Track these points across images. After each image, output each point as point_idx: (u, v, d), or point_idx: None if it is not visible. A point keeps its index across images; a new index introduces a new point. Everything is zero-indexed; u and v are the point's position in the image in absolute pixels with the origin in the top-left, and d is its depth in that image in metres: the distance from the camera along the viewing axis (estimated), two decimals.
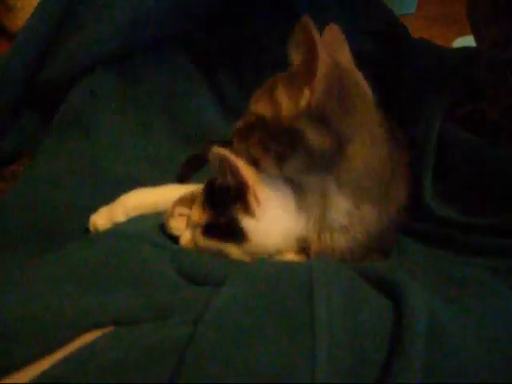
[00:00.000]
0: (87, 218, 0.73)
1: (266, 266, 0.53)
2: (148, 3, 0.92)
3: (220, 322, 0.45)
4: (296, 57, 0.60)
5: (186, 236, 0.67)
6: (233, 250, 0.63)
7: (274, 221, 0.64)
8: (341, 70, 0.60)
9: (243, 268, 0.53)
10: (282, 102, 0.59)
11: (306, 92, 0.57)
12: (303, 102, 0.57)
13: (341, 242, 0.64)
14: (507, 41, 0.77)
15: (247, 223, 0.63)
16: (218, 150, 0.62)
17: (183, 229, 0.68)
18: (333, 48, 0.62)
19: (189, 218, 0.67)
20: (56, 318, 0.47)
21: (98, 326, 0.47)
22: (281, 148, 0.59)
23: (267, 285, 0.49)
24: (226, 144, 0.90)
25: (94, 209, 0.74)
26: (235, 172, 0.62)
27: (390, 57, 0.94)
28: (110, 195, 0.75)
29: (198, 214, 0.66)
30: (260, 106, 0.62)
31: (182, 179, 0.82)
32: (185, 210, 0.68)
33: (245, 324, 0.45)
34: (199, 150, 0.88)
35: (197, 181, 0.80)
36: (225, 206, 0.63)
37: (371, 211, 0.63)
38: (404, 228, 0.70)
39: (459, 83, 0.83)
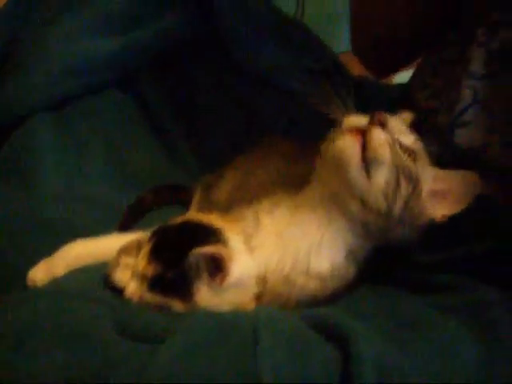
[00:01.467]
0: (25, 271, 0.69)
1: (209, 320, 0.51)
2: (92, 48, 0.92)
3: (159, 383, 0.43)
4: None
5: (130, 287, 0.64)
6: (178, 306, 0.59)
7: (234, 291, 0.60)
8: None
9: (185, 323, 0.51)
10: None
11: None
12: None
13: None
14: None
15: (202, 289, 0.59)
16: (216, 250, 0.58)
17: (128, 280, 0.65)
18: None
19: (134, 267, 0.65)
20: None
21: None
22: None
23: (209, 342, 0.47)
24: (176, 189, 0.90)
25: (32, 262, 0.71)
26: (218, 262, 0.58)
27: (329, 93, 0.96)
28: (49, 247, 0.71)
29: (143, 265, 0.62)
30: None
31: (123, 227, 0.80)
32: (131, 260, 0.64)
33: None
34: (142, 197, 0.86)
35: (140, 227, 0.78)
36: (175, 263, 0.59)
37: None
38: None
39: None
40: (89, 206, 0.82)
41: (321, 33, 1.23)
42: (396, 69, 0.98)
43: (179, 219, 0.64)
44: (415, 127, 0.69)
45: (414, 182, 0.60)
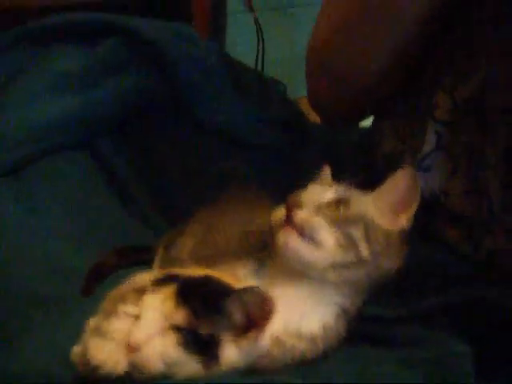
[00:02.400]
0: None
1: None
2: (46, 111, 0.91)
3: None
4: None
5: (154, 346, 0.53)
6: (193, 367, 0.54)
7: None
8: None
9: None
10: None
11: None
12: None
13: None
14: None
15: (231, 351, 0.55)
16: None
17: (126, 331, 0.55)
18: None
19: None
20: None
21: None
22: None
23: None
24: (138, 249, 0.88)
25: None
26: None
27: (286, 144, 0.97)
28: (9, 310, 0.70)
29: (171, 307, 0.54)
30: None
31: (86, 292, 0.78)
32: (131, 308, 0.56)
33: None
34: (104, 259, 0.84)
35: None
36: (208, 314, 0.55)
37: None
38: None
39: (357, 167, 0.86)
40: (46, 268, 0.79)
41: (282, 77, 1.25)
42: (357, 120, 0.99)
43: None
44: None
45: (359, 221, 0.61)
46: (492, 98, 0.69)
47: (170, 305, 0.54)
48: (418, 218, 0.76)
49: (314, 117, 1.08)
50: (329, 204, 0.61)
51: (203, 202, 0.83)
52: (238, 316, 0.55)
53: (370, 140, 0.91)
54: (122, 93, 0.95)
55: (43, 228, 0.87)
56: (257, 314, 0.56)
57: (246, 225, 0.74)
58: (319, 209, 0.61)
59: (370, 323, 0.64)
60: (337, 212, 0.61)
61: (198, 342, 0.53)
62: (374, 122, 0.95)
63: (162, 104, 0.98)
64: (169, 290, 0.55)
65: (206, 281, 0.58)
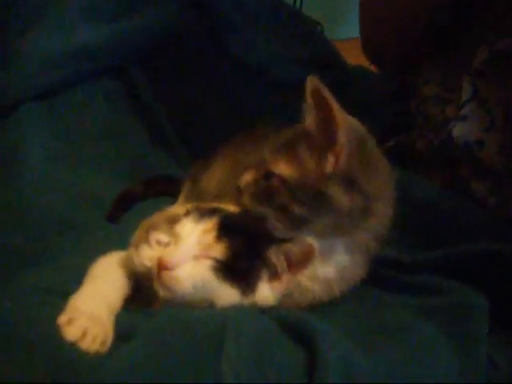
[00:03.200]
0: (17, 266, 0.69)
1: (177, 319, 0.50)
2: (79, 37, 0.90)
3: None
4: (308, 117, 0.59)
5: (185, 268, 0.54)
6: (230, 296, 0.55)
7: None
8: (357, 133, 0.60)
9: (153, 320, 0.50)
10: (307, 165, 0.58)
11: (331, 158, 0.57)
12: (329, 168, 0.57)
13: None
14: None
15: (264, 287, 0.57)
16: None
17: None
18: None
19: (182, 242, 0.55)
20: None
21: None
22: (306, 211, 0.58)
23: (173, 342, 0.46)
24: (166, 181, 0.89)
25: (20, 256, 0.70)
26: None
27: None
28: (32, 234, 0.71)
29: (209, 242, 0.55)
30: (282, 167, 0.59)
31: (112, 218, 0.79)
32: (163, 236, 0.57)
33: None
34: (132, 188, 0.85)
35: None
36: (248, 253, 0.56)
37: None
38: None
39: (390, 112, 0.84)
40: (74, 195, 0.81)
41: (321, 19, 1.21)
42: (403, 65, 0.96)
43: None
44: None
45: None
46: None
47: (209, 237, 0.55)
48: (444, 169, 0.76)
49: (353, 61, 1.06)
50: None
51: (232, 138, 0.83)
52: (278, 264, 0.57)
53: (404, 85, 0.88)
54: (153, 24, 0.94)
55: (72, 154, 0.88)
56: (296, 263, 0.57)
57: None
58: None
59: (388, 269, 0.65)
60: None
61: (234, 273, 0.54)
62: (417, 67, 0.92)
63: (199, 41, 0.96)
64: (210, 222, 0.56)
65: (247, 219, 0.59)
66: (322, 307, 0.59)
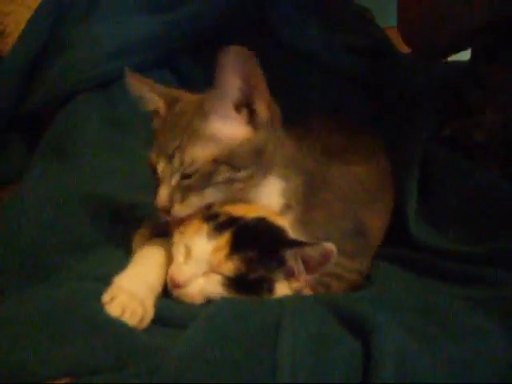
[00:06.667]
0: (70, 250, 0.70)
1: (233, 307, 0.51)
2: (134, 28, 0.91)
3: (176, 374, 0.43)
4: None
5: (195, 285, 0.57)
6: None
7: None
8: None
9: (208, 310, 0.51)
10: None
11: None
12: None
13: None
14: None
15: (282, 286, 0.58)
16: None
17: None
18: None
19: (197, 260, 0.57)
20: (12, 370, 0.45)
21: (50, 378, 0.44)
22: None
23: (231, 329, 0.47)
24: None
25: (77, 242, 0.72)
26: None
27: (374, 72, 0.93)
28: (90, 220, 0.73)
29: (219, 261, 0.56)
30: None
31: None
32: (181, 249, 0.59)
33: (202, 376, 0.43)
34: None
35: None
36: (261, 263, 0.57)
37: None
38: (387, 255, 0.69)
39: (447, 101, 0.81)
40: (130, 182, 0.82)
41: (371, 6, 1.19)
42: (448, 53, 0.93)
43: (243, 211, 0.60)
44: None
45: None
46: None
47: (220, 255, 0.56)
48: (501, 158, 0.74)
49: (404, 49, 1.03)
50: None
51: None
52: (295, 267, 0.57)
53: (468, 73, 0.85)
54: (206, 13, 0.94)
55: (126, 143, 0.90)
56: (314, 266, 0.57)
57: None
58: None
59: (441, 259, 0.64)
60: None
61: (245, 285, 0.56)
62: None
63: (246, 26, 0.96)
64: (223, 239, 0.56)
65: (261, 226, 0.59)
66: (377, 296, 0.58)
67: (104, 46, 0.89)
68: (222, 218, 0.58)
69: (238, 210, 0.60)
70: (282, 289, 0.58)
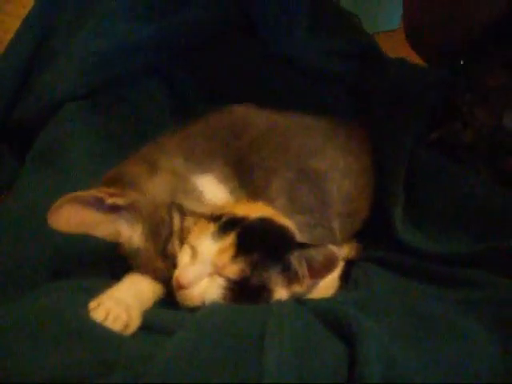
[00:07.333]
0: (59, 259, 0.70)
1: (221, 313, 0.51)
2: (122, 39, 0.91)
3: (163, 378, 0.43)
4: None
5: (198, 287, 0.56)
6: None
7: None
8: None
9: (196, 316, 0.51)
10: None
11: None
12: None
13: None
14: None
15: (281, 291, 0.58)
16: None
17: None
18: None
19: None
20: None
21: None
22: None
23: (218, 335, 0.47)
24: None
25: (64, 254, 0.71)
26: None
27: (361, 77, 0.93)
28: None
29: (225, 263, 0.56)
30: None
31: None
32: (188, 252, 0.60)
33: (190, 380, 0.43)
34: None
35: None
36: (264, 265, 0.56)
37: None
38: (374, 257, 0.69)
39: (435, 104, 0.81)
40: None
41: (359, 12, 1.19)
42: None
43: (247, 211, 0.60)
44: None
45: None
46: None
47: (225, 257, 0.56)
48: (490, 161, 0.74)
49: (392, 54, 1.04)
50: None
51: None
52: (299, 270, 0.57)
53: (470, 71, 0.85)
54: (195, 18, 0.94)
55: (115, 153, 0.89)
56: (318, 269, 0.57)
57: None
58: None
59: (431, 262, 0.64)
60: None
61: (246, 289, 0.56)
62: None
63: (234, 31, 0.96)
64: (228, 240, 0.56)
65: (265, 227, 0.59)
66: (363, 300, 0.58)
67: (92, 55, 0.89)
68: (225, 218, 0.59)
69: (241, 209, 0.60)
70: (282, 295, 0.57)
